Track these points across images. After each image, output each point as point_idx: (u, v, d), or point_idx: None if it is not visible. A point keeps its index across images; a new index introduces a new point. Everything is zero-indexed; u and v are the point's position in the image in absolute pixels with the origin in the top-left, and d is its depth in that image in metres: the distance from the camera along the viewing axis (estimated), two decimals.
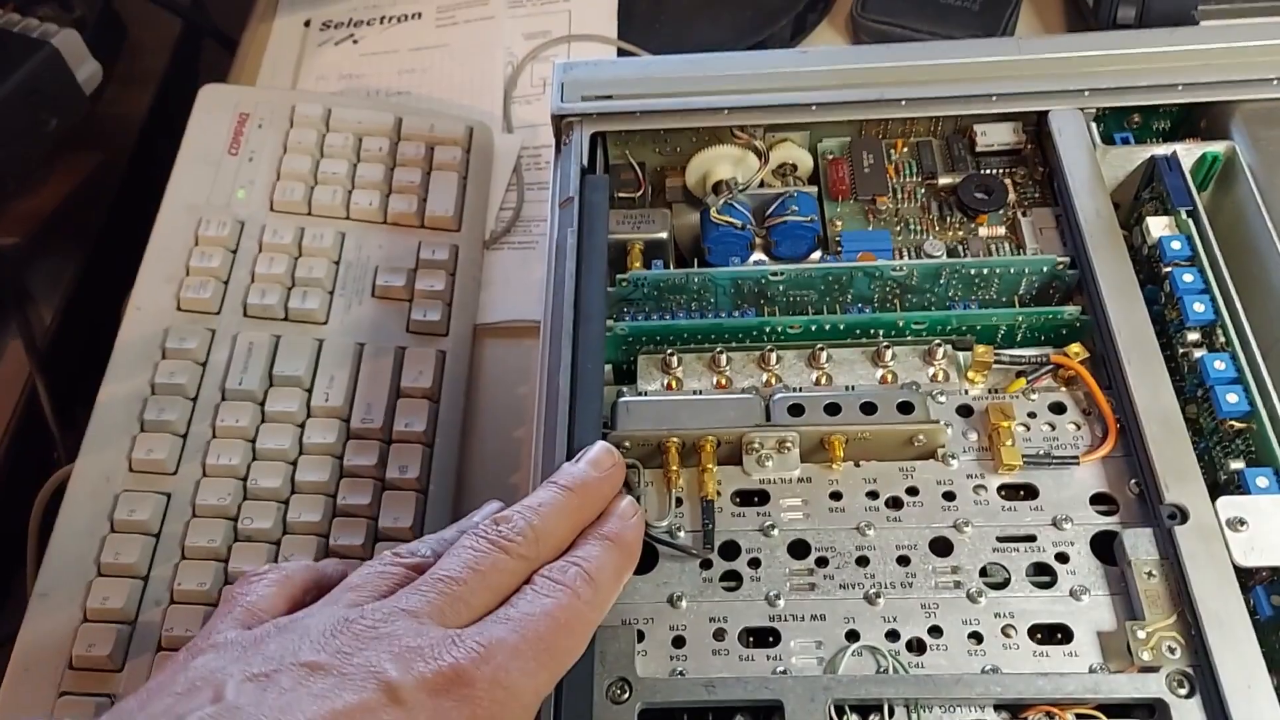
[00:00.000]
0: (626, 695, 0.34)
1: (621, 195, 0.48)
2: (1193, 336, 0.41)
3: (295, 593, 0.33)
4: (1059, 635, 0.35)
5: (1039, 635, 0.35)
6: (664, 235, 0.46)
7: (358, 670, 0.28)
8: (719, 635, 0.36)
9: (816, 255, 0.46)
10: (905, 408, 0.39)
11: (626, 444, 0.39)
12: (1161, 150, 0.45)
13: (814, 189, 0.47)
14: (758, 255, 0.46)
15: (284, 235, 0.56)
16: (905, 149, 0.49)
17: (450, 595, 0.31)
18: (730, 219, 0.45)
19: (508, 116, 0.65)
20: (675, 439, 0.39)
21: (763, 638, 0.36)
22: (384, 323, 0.55)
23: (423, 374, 0.52)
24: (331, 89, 0.67)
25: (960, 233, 0.46)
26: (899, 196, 0.47)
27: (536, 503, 0.34)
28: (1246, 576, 0.35)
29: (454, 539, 0.34)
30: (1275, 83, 0.45)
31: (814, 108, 0.47)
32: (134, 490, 0.48)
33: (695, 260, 0.47)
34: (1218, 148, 0.45)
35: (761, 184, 0.47)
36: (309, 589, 0.34)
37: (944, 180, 0.47)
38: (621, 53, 0.64)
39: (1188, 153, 0.45)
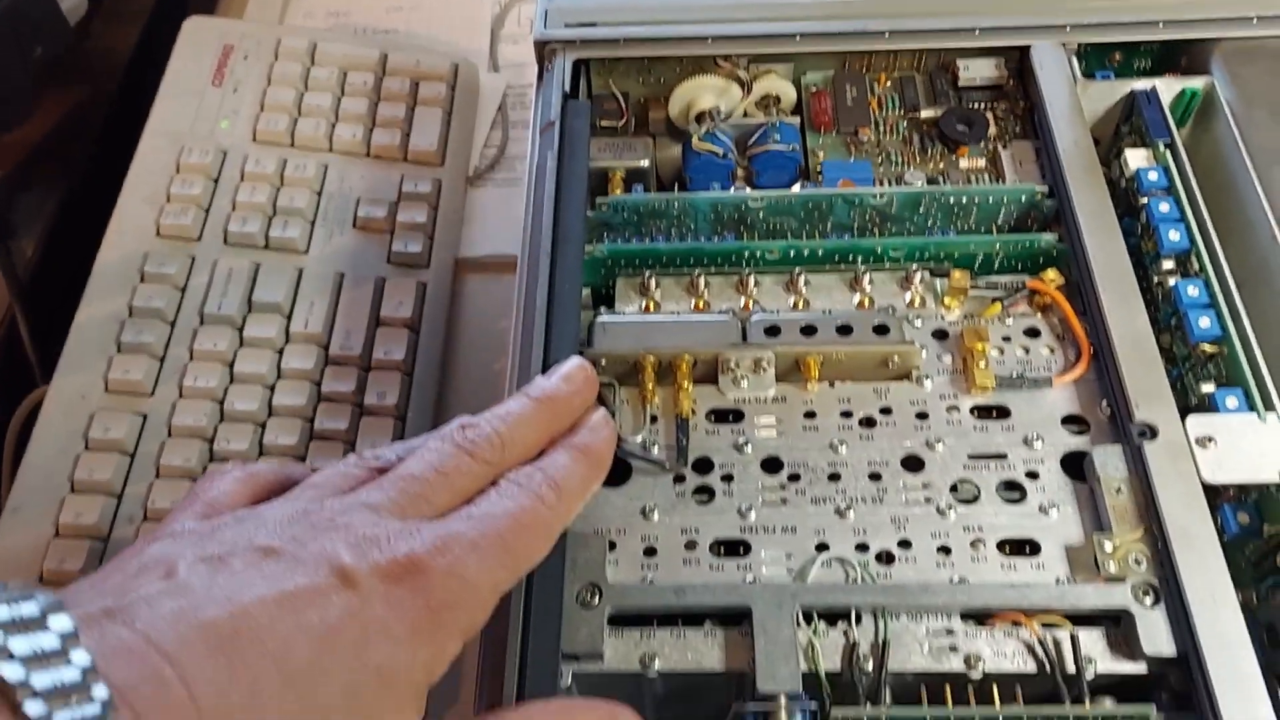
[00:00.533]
0: (596, 600, 0.34)
1: (604, 125, 0.48)
2: (1168, 265, 0.41)
3: (259, 490, 0.33)
4: (1027, 549, 0.35)
5: (1007, 549, 0.35)
6: (645, 163, 0.46)
7: (311, 556, 0.27)
8: (690, 546, 0.36)
9: (798, 186, 0.46)
10: (881, 330, 0.39)
11: (603, 362, 0.39)
12: (1141, 85, 0.45)
13: (796, 120, 0.47)
14: (739, 185, 0.46)
15: (266, 165, 0.56)
16: (888, 83, 0.49)
17: (412, 493, 0.30)
18: (712, 147, 0.45)
19: (494, 55, 0.64)
20: (651, 358, 0.39)
21: (733, 549, 0.36)
22: (365, 253, 0.54)
23: (403, 304, 0.52)
24: (319, 26, 0.67)
25: (941, 164, 0.46)
26: (881, 129, 0.47)
27: (504, 411, 0.34)
28: (1214, 495, 0.36)
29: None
30: (1255, 21, 0.45)
31: (798, 38, 0.47)
32: (109, 410, 0.48)
33: (676, 190, 0.47)
34: (1197, 83, 0.45)
35: (745, 115, 0.47)
36: (273, 488, 0.33)
37: (926, 113, 0.47)
38: None
39: (1167, 88, 0.45)
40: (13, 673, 0.22)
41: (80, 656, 0.23)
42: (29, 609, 0.23)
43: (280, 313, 0.51)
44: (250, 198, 0.54)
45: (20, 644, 0.22)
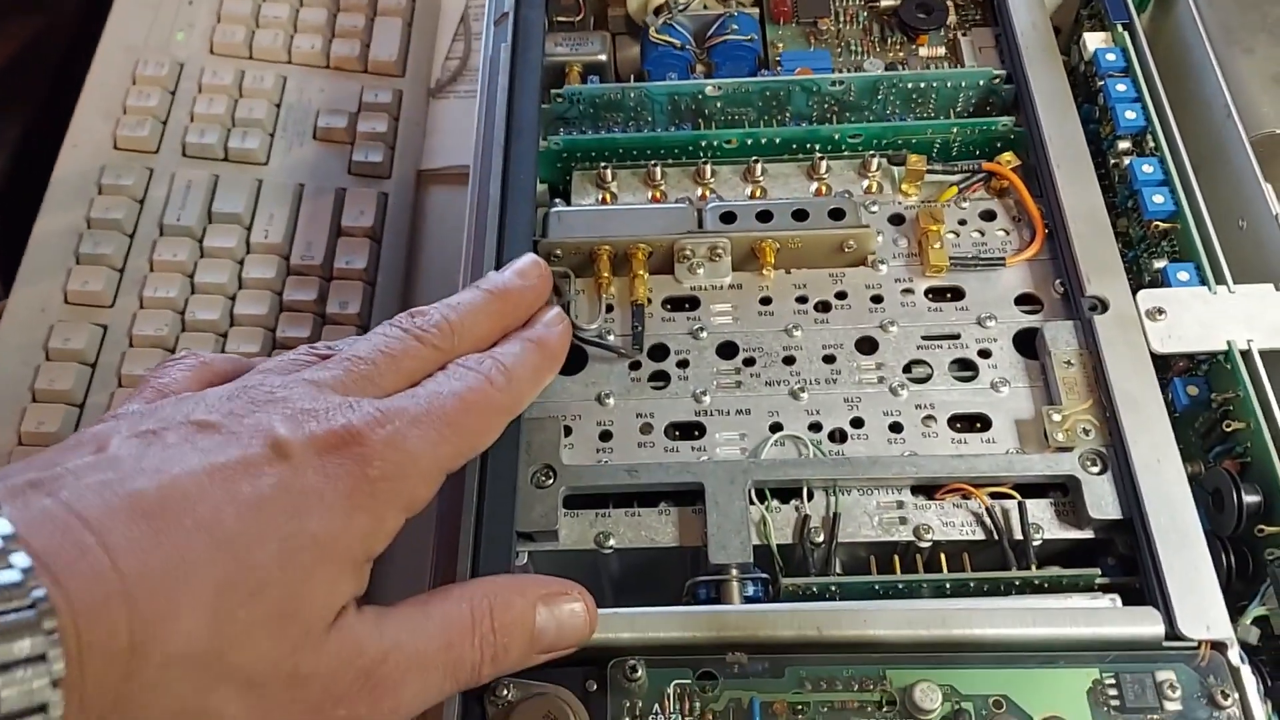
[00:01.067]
0: (551, 480, 0.34)
1: (561, 20, 0.47)
2: (1124, 145, 0.41)
3: (211, 378, 0.32)
4: (978, 424, 0.36)
5: (958, 425, 0.36)
6: (602, 57, 0.46)
7: (246, 429, 0.27)
8: (645, 429, 0.36)
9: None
10: (836, 214, 0.39)
11: (558, 252, 0.39)
12: None
13: (755, 11, 0.46)
14: (698, 77, 0.46)
15: (224, 77, 0.55)
16: None
17: (357, 373, 0.30)
18: (669, 39, 0.45)
19: None
20: (607, 247, 0.39)
21: (688, 431, 0.36)
22: (325, 164, 0.54)
23: (364, 214, 0.52)
24: None
25: (901, 53, 0.46)
26: (841, 19, 0.47)
27: (455, 301, 0.34)
28: (1165, 370, 0.36)
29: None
30: None
31: None
32: (69, 321, 0.48)
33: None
34: None
35: (704, 7, 0.46)
36: (226, 376, 0.33)
37: (886, 2, 0.46)
38: None
39: None
40: None
41: (1, 525, 0.22)
42: None
43: (240, 224, 0.51)
44: (208, 109, 0.54)
45: None
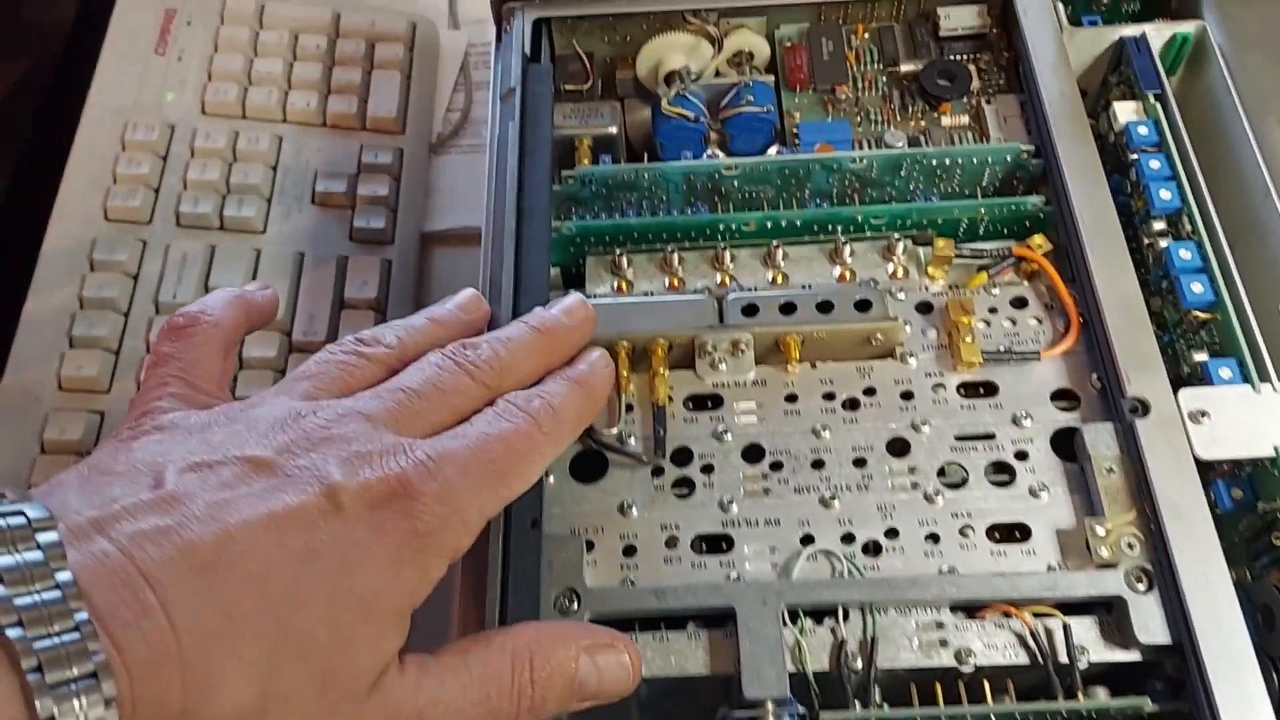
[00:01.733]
0: (575, 605, 0.33)
1: (569, 89, 0.45)
2: (1158, 225, 0.39)
3: (229, 340, 0.33)
4: (1017, 534, 0.34)
5: (997, 534, 0.34)
6: (613, 130, 0.44)
7: (302, 472, 0.27)
8: (671, 543, 0.35)
9: (774, 150, 0.44)
10: (863, 305, 0.37)
11: None
12: (1130, 31, 0.43)
13: (770, 78, 0.45)
14: (712, 150, 0.44)
15: (217, 139, 0.53)
16: (866, 35, 0.46)
17: (408, 407, 0.30)
18: (683, 111, 0.43)
19: (453, 11, 0.61)
20: (625, 343, 0.37)
21: (716, 544, 0.35)
22: (325, 231, 0.52)
23: (367, 284, 0.50)
24: None
25: (923, 122, 0.44)
26: (859, 85, 0.45)
27: (505, 335, 0.33)
28: (1207, 470, 0.35)
29: (421, 326, 0.33)
30: None
31: None
32: (64, 409, 0.46)
33: (646, 157, 0.44)
34: (1188, 28, 0.43)
35: (716, 74, 0.45)
36: (240, 328, 0.34)
37: (906, 67, 0.45)
38: None
39: (1157, 34, 0.43)
40: None
41: (63, 575, 0.23)
42: (17, 521, 0.23)
43: None
44: (202, 175, 0.52)
45: (4, 559, 0.22)
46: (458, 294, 0.36)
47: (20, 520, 0.23)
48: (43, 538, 0.23)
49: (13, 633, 0.22)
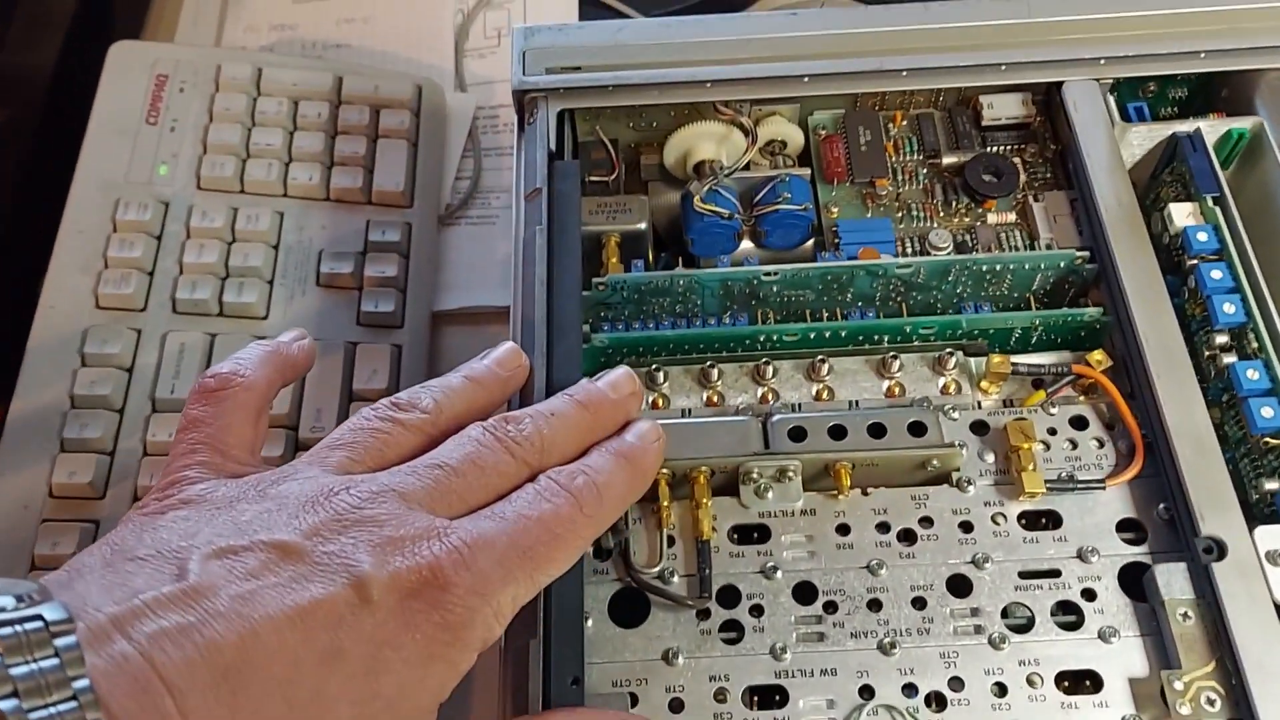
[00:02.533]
0: None
1: (594, 179, 0.43)
2: (1221, 339, 0.37)
3: (262, 403, 0.32)
4: (1088, 683, 0.33)
5: (1066, 684, 0.33)
6: (642, 226, 0.42)
7: (330, 560, 0.26)
8: (720, 696, 0.32)
9: (810, 244, 0.42)
10: (917, 429, 0.35)
11: None
12: (1184, 128, 0.41)
13: (806, 171, 0.42)
14: (746, 244, 0.42)
15: (215, 218, 0.50)
16: (904, 122, 0.44)
17: (445, 485, 0.29)
18: (716, 208, 0.41)
19: (460, 73, 0.59)
20: (665, 470, 0.35)
21: (768, 697, 0.33)
22: (330, 315, 0.49)
23: (377, 373, 0.48)
24: (261, 42, 0.60)
25: (966, 219, 0.42)
26: (899, 177, 0.43)
27: (549, 410, 0.32)
28: None
29: (459, 386, 0.33)
30: None
31: (806, 79, 0.42)
32: (56, 520, 0.43)
33: (675, 247, 0.42)
34: (1244, 124, 0.41)
35: (748, 167, 0.43)
36: (274, 386, 0.33)
37: (948, 160, 0.43)
38: (585, 3, 0.58)
39: (1212, 129, 0.41)
40: (8, 705, 0.21)
41: (80, 683, 0.22)
42: (34, 626, 0.22)
43: None
44: (199, 258, 0.49)
45: (20, 668, 0.22)
46: (496, 348, 0.35)
47: (38, 625, 0.22)
48: (60, 642, 0.22)
49: None
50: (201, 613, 0.24)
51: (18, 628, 0.22)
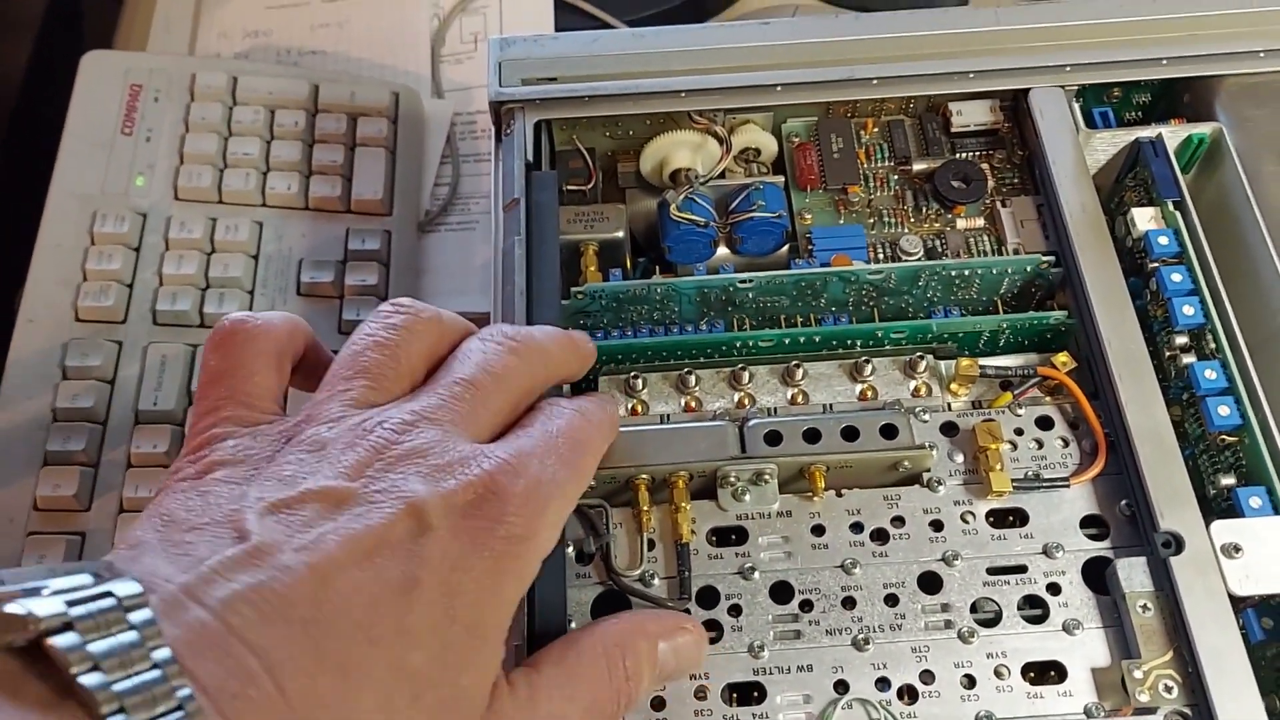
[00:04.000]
0: None
1: (571, 188, 0.44)
2: (1180, 340, 0.39)
3: (281, 349, 0.32)
4: (1053, 673, 0.34)
5: (1032, 674, 0.34)
6: (620, 235, 0.42)
7: (384, 496, 0.26)
8: (700, 694, 0.33)
9: (784, 250, 0.43)
10: (889, 431, 0.36)
11: (591, 483, 0.36)
12: (1146, 134, 0.42)
13: (780, 179, 0.43)
14: (722, 250, 0.43)
15: (193, 228, 0.50)
16: (876, 129, 0.45)
17: (470, 400, 0.30)
18: (693, 216, 0.42)
19: (436, 79, 0.59)
20: (645, 475, 0.36)
21: (747, 694, 0.34)
22: (312, 324, 0.48)
23: None
24: (236, 48, 0.60)
25: (937, 224, 0.43)
26: (871, 184, 0.44)
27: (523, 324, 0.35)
28: (1240, 602, 0.34)
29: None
30: (1262, 55, 0.43)
31: (779, 88, 0.43)
32: (42, 533, 0.44)
33: (653, 253, 0.43)
34: (1204, 129, 0.42)
35: (723, 175, 0.43)
36: (295, 338, 0.33)
37: (919, 166, 0.44)
38: (560, 8, 0.59)
39: (1173, 135, 0.42)
40: (93, 679, 0.21)
41: (161, 653, 0.22)
42: (107, 603, 0.22)
43: None
44: (179, 269, 0.49)
45: (99, 645, 0.21)
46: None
47: (110, 602, 0.22)
48: (135, 616, 0.22)
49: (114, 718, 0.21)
50: (270, 570, 0.24)
51: (91, 605, 0.22)
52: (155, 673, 0.21)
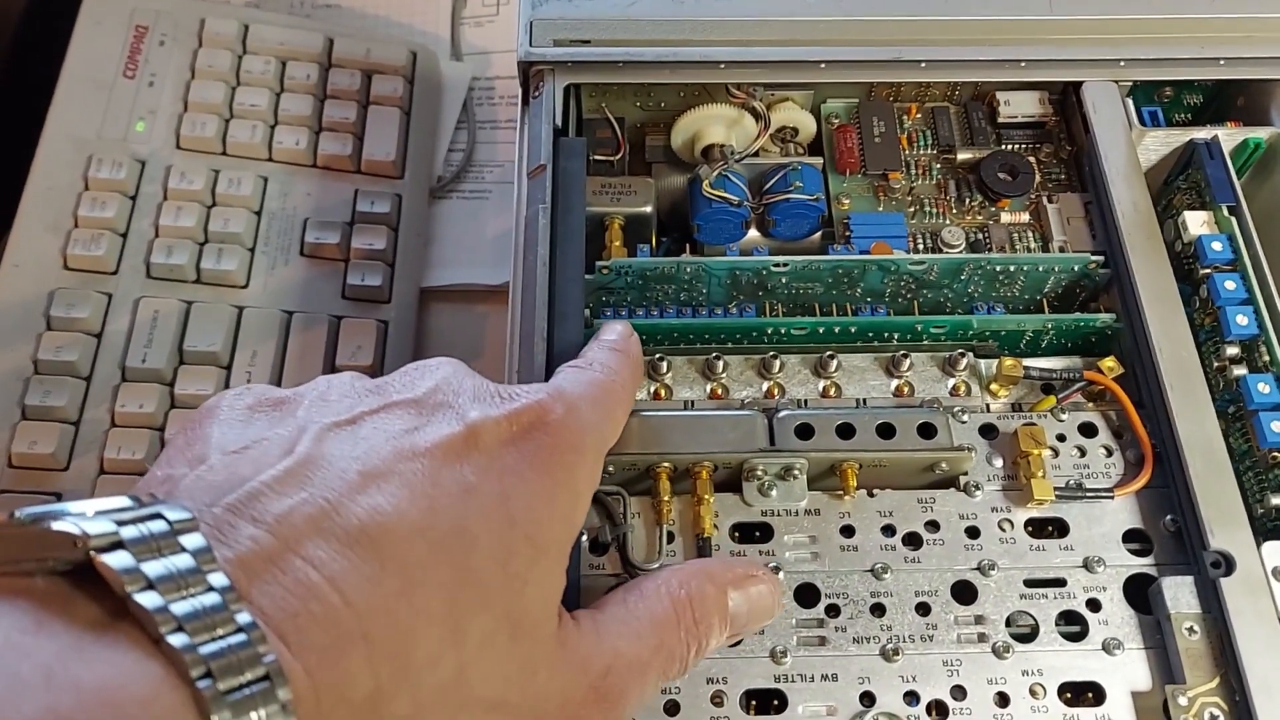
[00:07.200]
0: None
1: (597, 158, 0.41)
2: (1231, 351, 0.37)
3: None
4: (1090, 695, 0.32)
5: (1068, 695, 0.32)
6: (648, 209, 0.40)
7: (440, 411, 0.26)
8: (717, 699, 0.31)
9: (817, 235, 0.41)
10: (927, 430, 0.34)
11: (610, 468, 0.34)
12: (1201, 135, 0.40)
13: (818, 160, 0.41)
14: (752, 233, 0.41)
15: (194, 179, 0.48)
16: (919, 115, 0.43)
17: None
18: (726, 195, 0.40)
19: (456, 41, 0.57)
20: (666, 464, 0.34)
21: (767, 702, 0.32)
22: (315, 287, 0.47)
23: (361, 349, 0.46)
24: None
25: (979, 217, 0.41)
26: (912, 171, 0.42)
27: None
28: None
29: None
30: None
31: (823, 65, 0.41)
32: (15, 491, 0.41)
33: (676, 233, 0.41)
34: (1261, 134, 0.41)
35: (759, 154, 0.41)
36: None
37: (963, 155, 0.42)
38: None
39: (1229, 138, 0.41)
40: (150, 600, 0.20)
41: (217, 577, 0.21)
42: (159, 526, 0.21)
43: (217, 363, 0.45)
44: (176, 220, 0.47)
45: (153, 566, 0.20)
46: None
47: (162, 525, 0.21)
48: (187, 540, 0.21)
49: (176, 640, 0.20)
50: (322, 480, 0.23)
51: (142, 527, 0.21)
52: (213, 597, 0.20)
